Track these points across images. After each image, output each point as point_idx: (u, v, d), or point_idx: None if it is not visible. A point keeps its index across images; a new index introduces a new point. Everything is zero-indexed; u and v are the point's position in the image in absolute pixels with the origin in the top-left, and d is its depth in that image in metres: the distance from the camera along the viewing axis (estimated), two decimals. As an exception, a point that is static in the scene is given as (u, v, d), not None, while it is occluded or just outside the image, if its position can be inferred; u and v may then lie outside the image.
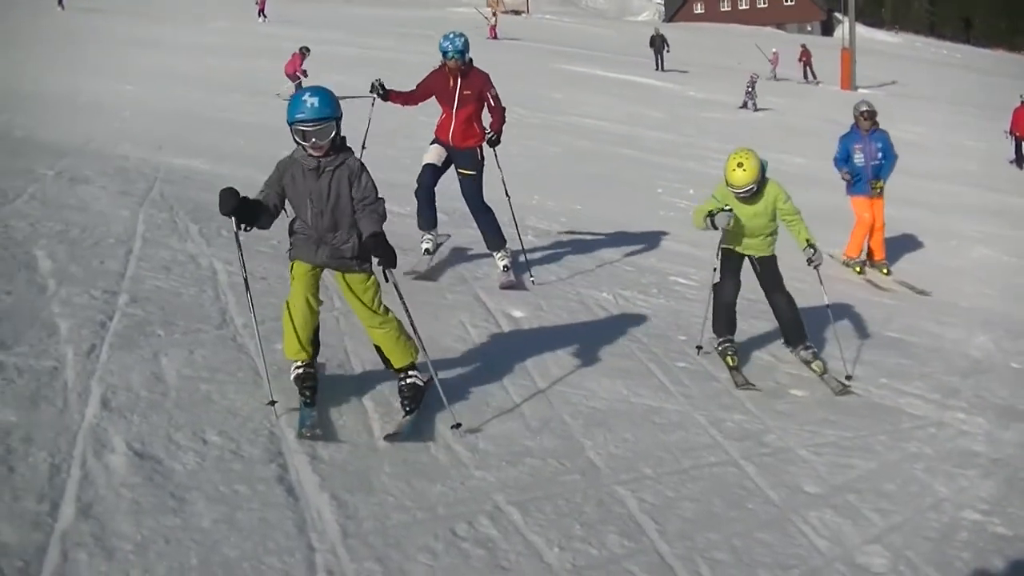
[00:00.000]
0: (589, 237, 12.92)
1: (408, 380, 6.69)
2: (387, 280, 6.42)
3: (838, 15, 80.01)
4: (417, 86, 10.29)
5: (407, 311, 6.58)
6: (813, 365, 8.75)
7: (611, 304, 9.87)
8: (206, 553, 4.75)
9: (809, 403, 8.20)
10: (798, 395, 8.34)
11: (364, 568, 4.89)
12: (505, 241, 10.40)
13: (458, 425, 6.46)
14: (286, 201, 6.45)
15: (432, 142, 10.23)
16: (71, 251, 8.52)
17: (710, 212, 8.46)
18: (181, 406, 6.10)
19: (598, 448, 6.71)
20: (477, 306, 9.09)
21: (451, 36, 9.91)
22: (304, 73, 27.37)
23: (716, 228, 8.49)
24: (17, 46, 30.48)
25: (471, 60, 10.08)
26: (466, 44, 9.94)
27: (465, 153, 10.09)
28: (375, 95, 10.16)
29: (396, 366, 6.72)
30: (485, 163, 10.22)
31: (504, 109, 10.20)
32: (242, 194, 6.20)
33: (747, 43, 61.76)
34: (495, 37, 54.06)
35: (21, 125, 15.98)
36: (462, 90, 9.95)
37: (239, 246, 6.50)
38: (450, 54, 9.86)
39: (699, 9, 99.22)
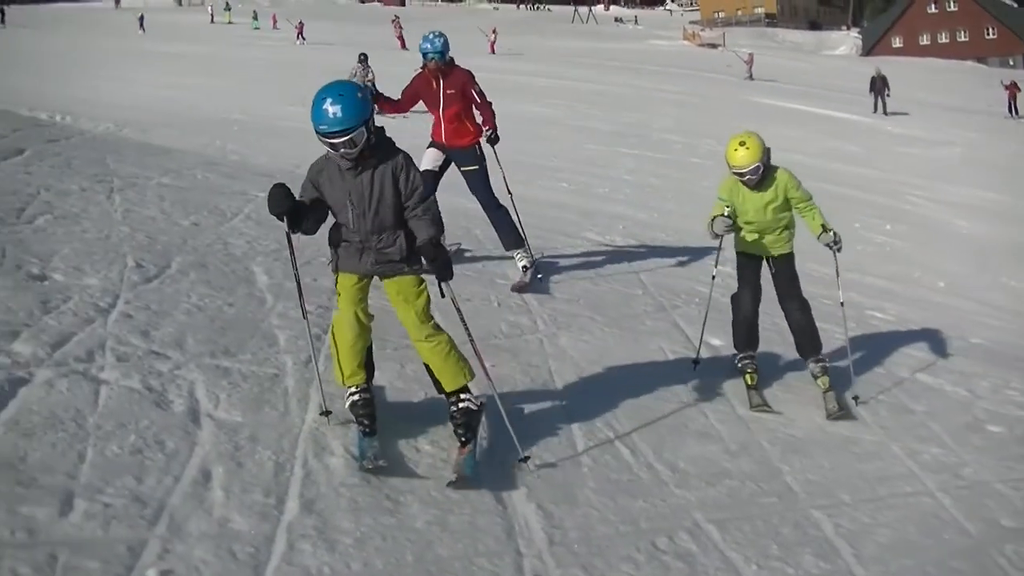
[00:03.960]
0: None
1: (461, 405, 6.08)
2: (443, 295, 6.06)
3: (1043, 48, 77.58)
4: (403, 93, 10.09)
5: (466, 327, 6.28)
6: (819, 380, 8.20)
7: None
8: (420, 551, 5.00)
9: (1006, 439, 8.02)
10: (995, 431, 8.15)
11: (569, 573, 5.06)
12: (524, 240, 10.21)
13: (526, 459, 6.09)
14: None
15: (428, 145, 10.06)
16: (285, 268, 8.86)
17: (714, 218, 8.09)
18: (395, 416, 6.35)
19: (795, 473, 6.77)
20: (676, 332, 9.18)
21: (431, 37, 9.80)
22: None
23: (716, 235, 8.11)
24: (222, 75, 31.87)
25: (452, 59, 9.93)
26: (446, 44, 9.80)
27: (462, 152, 9.97)
28: None
29: (447, 389, 6.12)
30: (486, 158, 10.05)
31: (491, 103, 9.97)
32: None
33: (951, 78, 60.55)
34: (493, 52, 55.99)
35: (234, 150, 16.73)
36: (445, 89, 9.80)
37: (291, 248, 6.27)
38: (430, 55, 9.74)
39: (897, 43, 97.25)
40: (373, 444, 5.90)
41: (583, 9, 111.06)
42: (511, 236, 10.14)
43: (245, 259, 9.07)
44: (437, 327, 6.11)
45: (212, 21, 72.52)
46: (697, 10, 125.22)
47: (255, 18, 69.01)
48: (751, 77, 55.43)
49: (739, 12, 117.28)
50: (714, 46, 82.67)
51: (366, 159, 5.77)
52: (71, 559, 4.38)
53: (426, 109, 10.06)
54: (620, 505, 5.84)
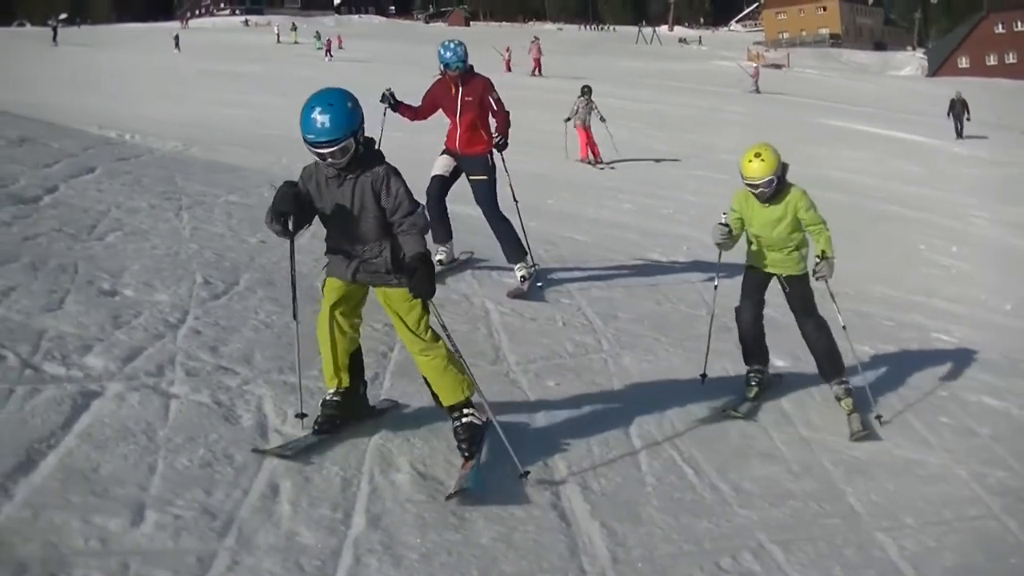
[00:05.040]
0: (848, 291, 12.81)
1: (464, 420, 6.03)
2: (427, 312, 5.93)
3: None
4: (423, 100, 10.15)
5: (455, 347, 6.11)
6: (843, 403, 8.08)
7: (869, 356, 9.79)
8: (485, 567, 5.02)
9: (1074, 461, 7.97)
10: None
11: (633, 592, 5.07)
12: (526, 253, 10.20)
13: (526, 473, 5.97)
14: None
15: (442, 152, 10.14)
16: (351, 286, 8.95)
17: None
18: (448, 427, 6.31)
19: (859, 495, 6.73)
20: (740, 354, 9.13)
21: (452, 47, 9.80)
22: None
23: (715, 243, 8.01)
24: (285, 93, 32.12)
25: (472, 67, 10.00)
26: (466, 53, 9.86)
27: (473, 160, 10.00)
28: (386, 105, 10.01)
29: (444, 403, 6.06)
30: (496, 169, 10.10)
31: (508, 113, 9.98)
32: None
33: (1019, 98, 60.01)
34: (509, 70, 55.20)
35: (300, 168, 16.82)
36: (463, 96, 9.85)
37: (292, 248, 6.15)
38: (453, 65, 9.80)
39: (963, 63, 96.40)
40: (308, 441, 5.89)
41: (647, 30, 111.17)
42: (514, 250, 10.17)
43: (311, 277, 9.10)
44: (434, 339, 5.99)
45: (278, 41, 73.74)
46: (761, 31, 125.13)
47: (318, 38, 69.84)
48: (757, 90, 55.93)
49: (803, 33, 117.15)
50: (778, 67, 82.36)
51: (350, 170, 5.69)
52: (142, 568, 4.45)
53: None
54: (684, 524, 5.85)
